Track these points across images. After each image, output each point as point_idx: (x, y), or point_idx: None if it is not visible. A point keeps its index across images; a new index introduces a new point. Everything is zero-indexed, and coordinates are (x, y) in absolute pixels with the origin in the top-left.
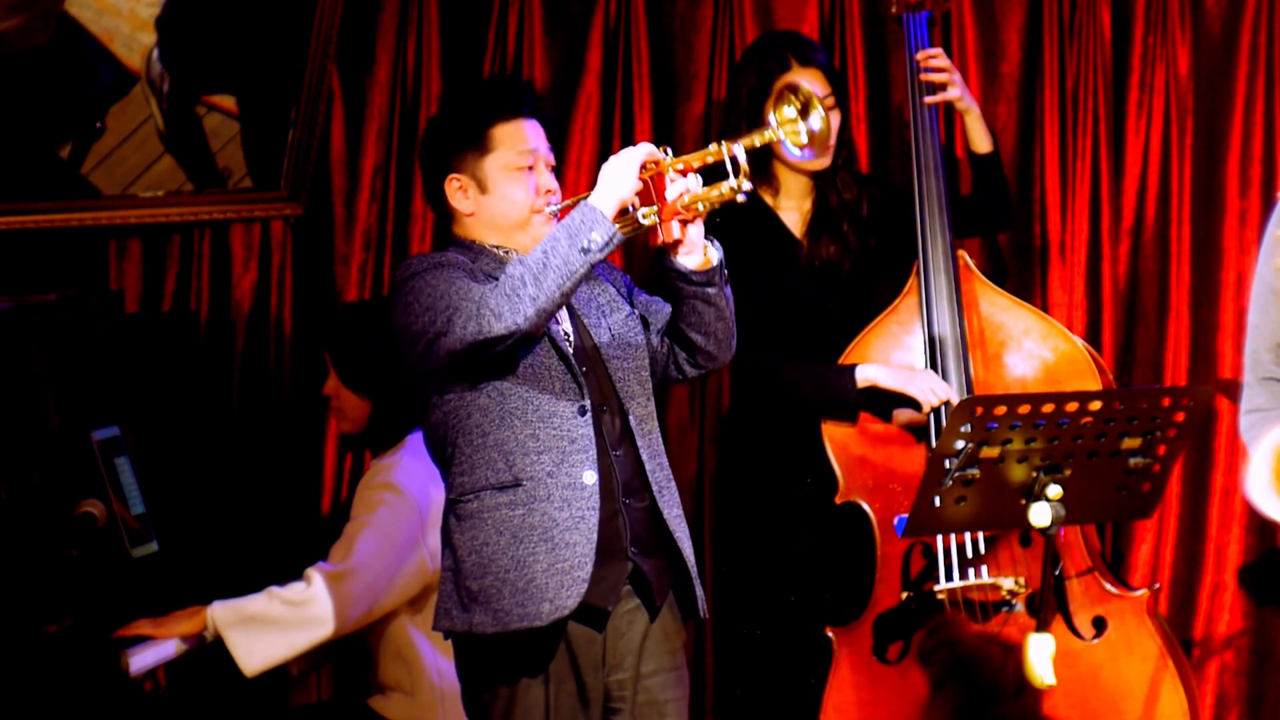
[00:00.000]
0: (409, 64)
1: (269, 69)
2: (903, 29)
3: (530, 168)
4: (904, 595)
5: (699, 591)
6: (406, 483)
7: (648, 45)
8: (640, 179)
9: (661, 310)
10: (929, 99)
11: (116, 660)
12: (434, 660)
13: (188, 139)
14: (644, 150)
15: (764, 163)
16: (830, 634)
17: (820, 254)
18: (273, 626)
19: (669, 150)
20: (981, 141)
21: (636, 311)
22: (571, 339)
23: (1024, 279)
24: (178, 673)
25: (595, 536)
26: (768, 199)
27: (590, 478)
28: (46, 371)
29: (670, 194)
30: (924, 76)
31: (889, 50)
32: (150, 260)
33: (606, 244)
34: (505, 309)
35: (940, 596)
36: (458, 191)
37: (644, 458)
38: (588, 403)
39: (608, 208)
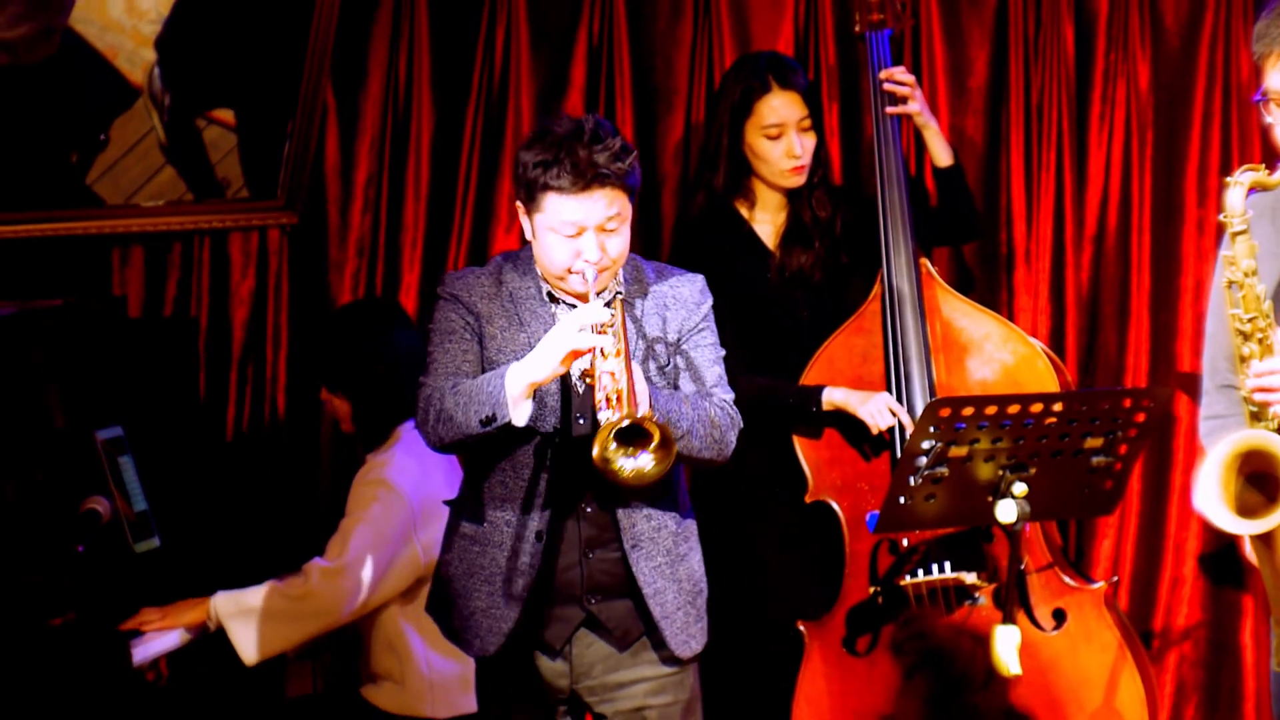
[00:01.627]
0: (400, 79)
1: (266, 84)
2: (866, 47)
3: (575, 235)
4: (872, 590)
5: (673, 640)
6: (399, 479)
7: (629, 61)
8: (579, 355)
9: (685, 383)
10: (890, 109)
11: (121, 652)
12: (423, 651)
13: (188, 151)
14: (573, 340)
15: (741, 176)
16: (801, 627)
17: (791, 264)
18: (271, 618)
19: (611, 331)
20: (942, 156)
21: (672, 364)
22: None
23: (991, 285)
24: (178, 664)
25: (527, 593)
26: (743, 211)
27: (541, 535)
28: (52, 374)
29: (598, 385)
30: (887, 87)
31: (861, 66)
32: (152, 267)
33: (501, 424)
34: (422, 428)
35: (907, 590)
36: (521, 215)
37: (620, 514)
38: (549, 460)
39: (516, 387)
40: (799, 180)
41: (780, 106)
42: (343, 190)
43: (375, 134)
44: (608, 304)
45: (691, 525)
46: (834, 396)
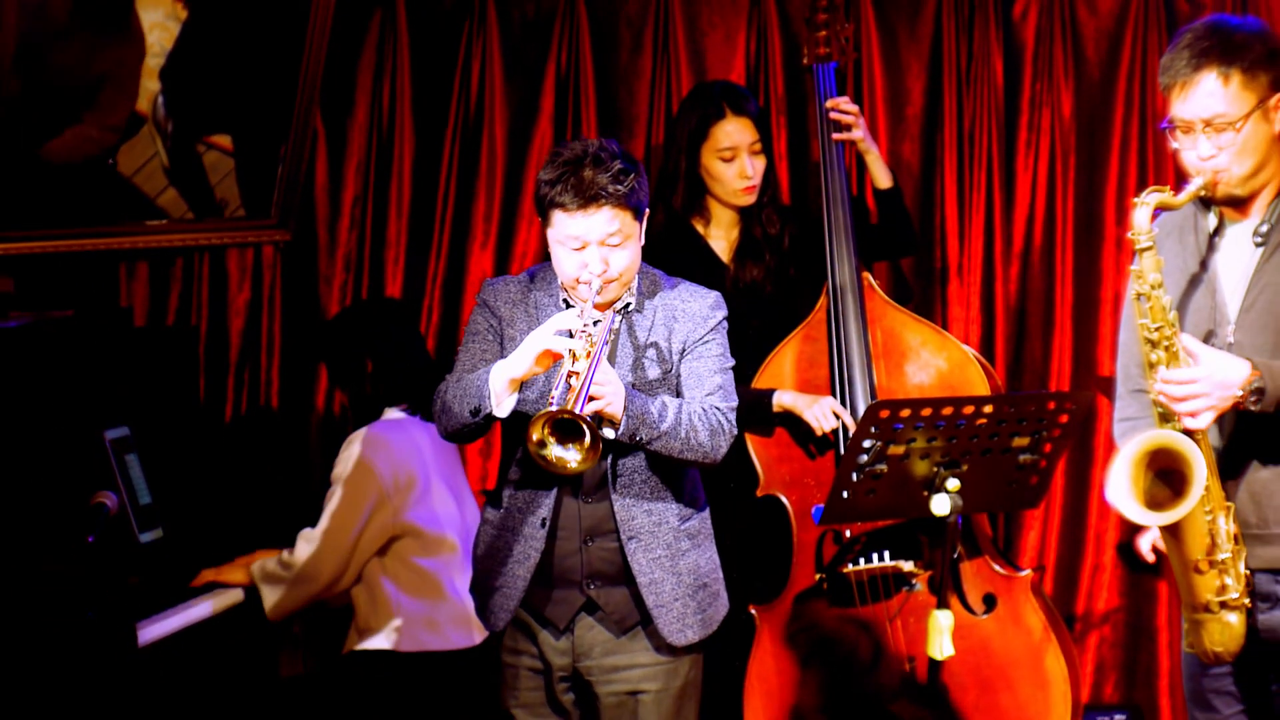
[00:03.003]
0: (384, 107)
1: (261, 112)
2: (813, 78)
3: (579, 249)
4: (818, 577)
5: (666, 629)
6: (366, 453)
7: (594, 91)
8: (552, 355)
9: (685, 390)
10: (836, 135)
11: (127, 636)
12: (395, 594)
13: (189, 173)
14: (545, 341)
15: (697, 196)
16: (753, 611)
17: (744, 277)
18: (280, 582)
19: (584, 336)
20: (883, 179)
21: (675, 372)
22: None
23: (926, 297)
24: (184, 648)
25: (531, 575)
26: (699, 227)
27: (545, 521)
28: (64, 378)
29: (559, 382)
30: (833, 116)
31: (808, 95)
32: (156, 280)
33: (487, 415)
34: (434, 420)
35: (849, 577)
36: (547, 233)
37: (617, 506)
38: None
39: (499, 382)
40: (750, 199)
41: (734, 131)
42: (331, 209)
43: (361, 158)
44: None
45: (698, 524)
46: (783, 399)
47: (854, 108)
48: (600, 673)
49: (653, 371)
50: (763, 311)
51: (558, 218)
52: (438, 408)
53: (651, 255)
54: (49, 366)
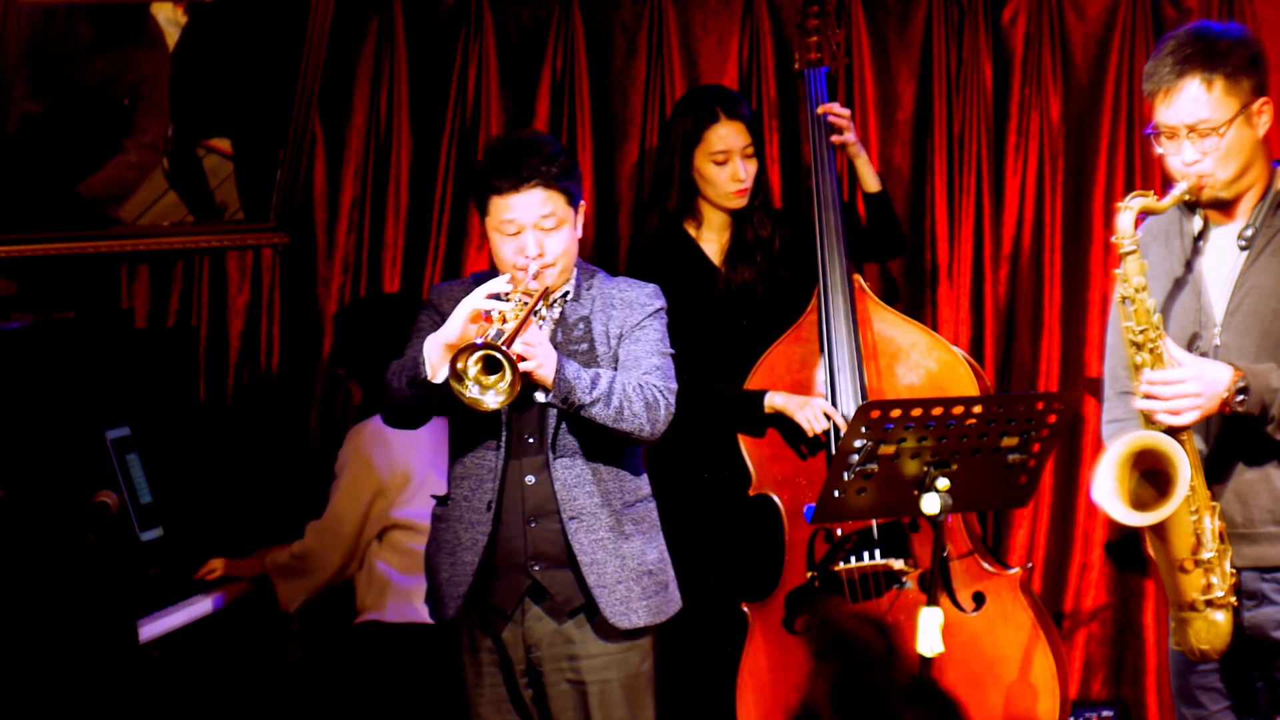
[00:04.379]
0: (381, 112)
1: (260, 116)
2: (804, 83)
3: (515, 234)
4: (809, 575)
5: (609, 610)
6: (366, 446)
7: (589, 95)
8: (482, 316)
9: (623, 370)
10: (835, 138)
11: (129, 632)
12: (388, 571)
13: (189, 177)
14: (476, 302)
15: (690, 198)
16: (745, 609)
17: (735, 279)
18: (290, 574)
19: (516, 299)
20: (871, 182)
21: (613, 356)
22: None
23: (916, 299)
24: (197, 640)
25: (479, 559)
26: (690, 230)
27: (490, 505)
28: (66, 379)
29: (489, 333)
30: (830, 119)
31: (799, 100)
32: (157, 282)
33: (423, 383)
34: (380, 409)
35: (840, 575)
36: (486, 225)
37: (558, 486)
38: (502, 439)
39: (434, 350)
40: (742, 202)
41: (727, 135)
42: (329, 213)
43: (359, 162)
44: (551, 301)
45: (642, 511)
46: (775, 400)
47: (846, 111)
48: (550, 663)
49: (588, 357)
50: (753, 313)
51: (493, 203)
52: (383, 392)
53: (644, 257)
54: (51, 367)
